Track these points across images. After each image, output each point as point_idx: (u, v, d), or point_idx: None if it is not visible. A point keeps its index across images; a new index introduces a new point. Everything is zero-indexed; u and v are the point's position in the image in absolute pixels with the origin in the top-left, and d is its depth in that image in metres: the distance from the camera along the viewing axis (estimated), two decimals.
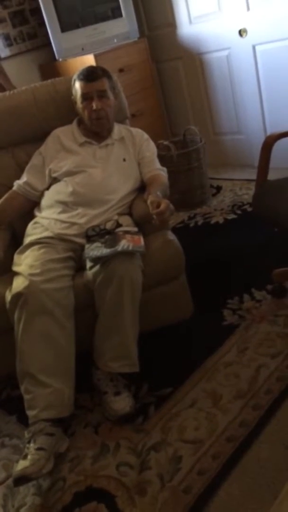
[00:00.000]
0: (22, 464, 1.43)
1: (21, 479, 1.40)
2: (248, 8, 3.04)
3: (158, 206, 1.64)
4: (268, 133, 3.04)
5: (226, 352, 1.82)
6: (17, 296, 1.58)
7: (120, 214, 1.89)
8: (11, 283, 1.67)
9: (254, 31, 3.07)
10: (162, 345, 1.92)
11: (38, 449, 1.45)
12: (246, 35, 3.11)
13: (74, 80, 1.96)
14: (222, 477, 1.36)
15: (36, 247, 1.77)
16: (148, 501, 1.35)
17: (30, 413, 1.55)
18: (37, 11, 3.10)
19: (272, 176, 1.94)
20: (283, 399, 1.55)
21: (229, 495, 1.31)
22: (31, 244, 1.80)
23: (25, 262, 1.70)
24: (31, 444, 1.47)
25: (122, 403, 1.63)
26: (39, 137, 2.07)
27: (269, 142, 1.89)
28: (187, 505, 1.31)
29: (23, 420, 1.62)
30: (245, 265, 2.34)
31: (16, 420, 1.75)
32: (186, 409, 1.62)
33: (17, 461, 1.49)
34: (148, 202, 1.68)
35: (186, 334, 1.97)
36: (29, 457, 1.44)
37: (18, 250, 1.81)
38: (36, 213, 1.97)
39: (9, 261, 1.80)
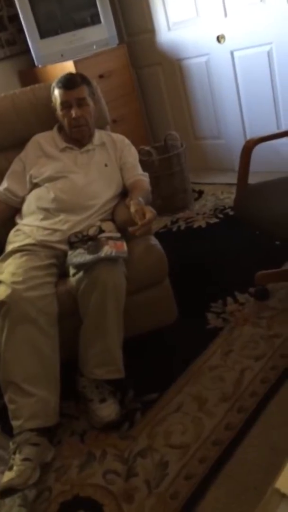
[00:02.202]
0: (8, 476, 1.41)
1: (8, 491, 1.38)
2: (225, 15, 3.07)
3: (143, 215, 1.63)
4: (248, 137, 3.08)
5: (211, 355, 1.83)
6: (0, 304, 1.57)
7: (102, 220, 1.88)
8: None
9: (232, 37, 3.11)
10: (147, 350, 1.92)
11: (24, 459, 1.44)
12: (224, 41, 3.15)
13: (53, 88, 1.95)
14: (209, 481, 1.36)
15: (18, 254, 1.76)
16: (135, 508, 1.34)
17: (14, 423, 1.53)
18: (15, 17, 3.09)
19: (252, 180, 1.96)
20: (267, 401, 1.57)
21: (216, 499, 1.31)
22: (13, 251, 1.78)
23: (7, 270, 1.68)
24: (17, 455, 1.46)
25: (107, 410, 1.62)
26: (20, 144, 2.06)
27: (249, 147, 1.91)
28: (175, 510, 1.31)
29: (8, 430, 1.59)
30: (228, 269, 2.36)
31: (0, 431, 1.72)
32: (172, 414, 1.62)
33: (2, 473, 1.46)
34: (132, 210, 1.67)
35: (171, 338, 1.97)
36: (15, 468, 1.42)
37: None
38: (18, 220, 1.96)
39: None
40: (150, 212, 1.64)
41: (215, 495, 1.32)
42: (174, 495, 1.35)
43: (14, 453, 1.47)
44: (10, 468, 1.43)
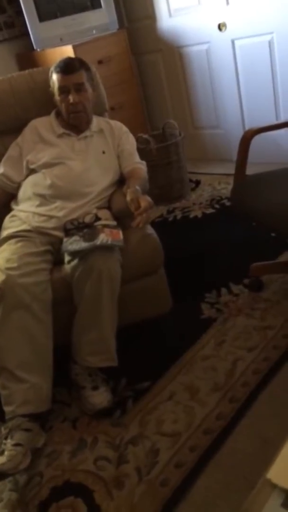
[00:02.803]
0: None
1: None
2: (227, 3, 3.04)
3: (138, 204, 1.62)
4: (247, 127, 3.05)
5: (204, 345, 1.84)
6: None
7: (99, 208, 1.87)
8: None
9: (233, 26, 3.08)
10: (140, 339, 1.93)
11: (15, 445, 1.44)
12: (225, 29, 3.12)
13: (51, 72, 1.93)
14: (199, 469, 1.37)
15: (13, 240, 1.75)
16: (125, 494, 1.35)
17: (7, 408, 1.53)
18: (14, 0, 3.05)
19: (250, 171, 1.95)
20: (259, 391, 1.58)
21: (206, 487, 1.32)
22: (8, 237, 1.77)
23: (1, 256, 1.67)
24: (8, 440, 1.46)
25: (100, 397, 1.63)
26: (17, 128, 2.03)
27: (247, 137, 1.90)
28: (164, 498, 1.32)
29: (0, 416, 1.60)
30: (223, 259, 2.36)
31: None
32: (164, 402, 1.63)
33: None
34: (128, 199, 1.66)
35: (164, 328, 1.98)
36: (6, 453, 1.42)
37: None
38: (13, 206, 1.94)
39: None
40: (145, 201, 1.63)
41: (205, 484, 1.33)
42: (164, 483, 1.36)
43: (6, 438, 1.47)
44: (1, 453, 1.43)
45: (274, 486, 0.73)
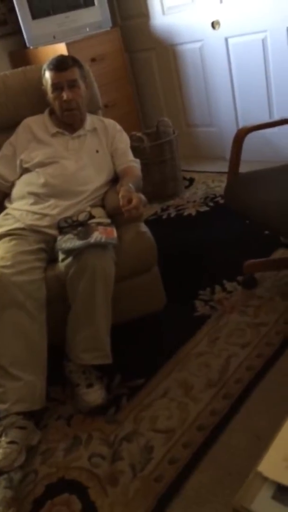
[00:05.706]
0: None
1: None
2: (221, 1, 3.04)
3: (129, 201, 1.63)
4: (240, 125, 3.07)
5: (198, 342, 1.85)
6: None
7: (92, 206, 1.88)
8: None
9: (226, 24, 3.09)
10: (134, 336, 1.93)
11: (10, 442, 1.45)
12: (218, 27, 3.12)
13: (44, 70, 1.92)
14: (193, 465, 1.38)
15: (7, 238, 1.75)
16: (120, 491, 1.36)
17: (1, 406, 1.53)
18: None
19: (243, 169, 1.96)
20: (252, 388, 1.59)
21: (200, 483, 1.33)
22: (2, 235, 1.77)
23: None
24: (3, 438, 1.46)
25: (94, 395, 1.63)
26: (10, 127, 2.03)
27: (241, 135, 1.91)
28: (158, 493, 1.33)
29: None
30: (217, 257, 2.37)
31: None
32: (158, 399, 1.64)
33: None
34: (119, 196, 1.67)
35: (159, 325, 1.98)
36: (0, 450, 1.43)
37: None
38: (7, 204, 1.94)
39: None
40: (136, 198, 1.64)
41: (198, 479, 1.34)
42: (158, 479, 1.37)
43: (0, 436, 1.48)
44: None
45: (265, 479, 0.74)
